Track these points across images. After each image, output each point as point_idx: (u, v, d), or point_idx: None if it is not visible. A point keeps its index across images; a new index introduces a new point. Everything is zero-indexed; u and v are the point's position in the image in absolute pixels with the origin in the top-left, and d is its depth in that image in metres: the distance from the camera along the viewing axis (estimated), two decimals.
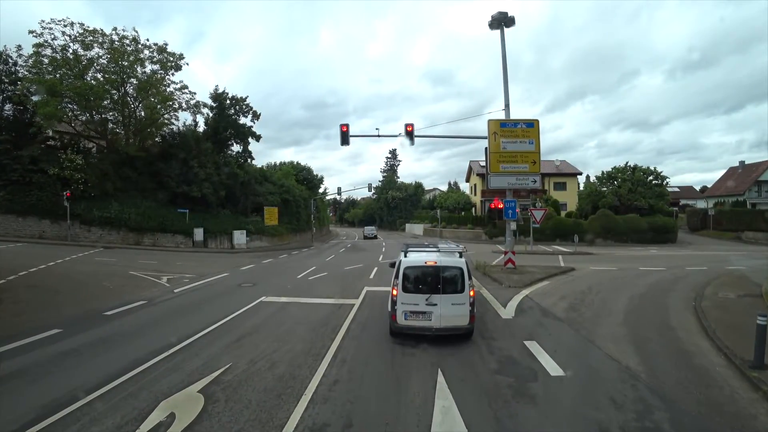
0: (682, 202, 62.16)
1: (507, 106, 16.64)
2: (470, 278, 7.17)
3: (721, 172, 60.80)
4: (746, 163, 54.07)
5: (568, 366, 6.27)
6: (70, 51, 26.19)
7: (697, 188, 72.32)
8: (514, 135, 16.10)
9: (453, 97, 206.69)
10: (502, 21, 17.05)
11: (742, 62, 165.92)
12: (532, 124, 16.27)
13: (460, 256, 7.38)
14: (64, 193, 24.04)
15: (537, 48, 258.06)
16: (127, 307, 10.82)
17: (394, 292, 7.15)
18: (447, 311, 6.96)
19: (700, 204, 63.21)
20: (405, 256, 7.43)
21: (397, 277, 7.21)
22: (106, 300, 11.70)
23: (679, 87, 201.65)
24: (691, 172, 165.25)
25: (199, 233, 27.73)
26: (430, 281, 7.08)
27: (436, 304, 6.96)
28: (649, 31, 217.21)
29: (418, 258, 7.39)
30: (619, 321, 9.18)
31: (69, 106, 27.40)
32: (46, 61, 25.86)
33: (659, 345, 7.56)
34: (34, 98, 26.24)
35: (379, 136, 16.63)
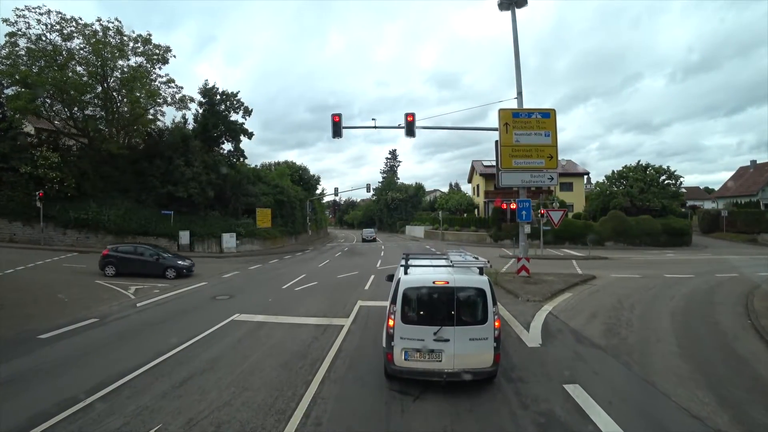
0: (689, 203, 60.39)
1: (519, 93, 14.81)
2: (495, 303, 5.27)
3: (722, 174, 59.65)
4: (758, 162, 52.32)
5: (637, 431, 4.40)
6: (47, 41, 24.36)
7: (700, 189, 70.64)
8: (529, 126, 14.25)
9: (458, 101, 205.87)
10: (512, 0, 15.26)
11: (743, 65, 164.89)
12: (548, 114, 14.42)
13: (481, 273, 5.47)
14: (37, 193, 22.24)
15: (542, 52, 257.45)
16: (70, 327, 9.01)
17: (391, 323, 5.23)
18: (464, 349, 5.08)
19: (707, 205, 61.38)
20: (405, 273, 5.50)
21: (394, 301, 5.28)
22: (51, 317, 9.88)
23: (680, 90, 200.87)
24: (691, 174, 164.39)
25: (184, 236, 25.87)
26: (441, 308, 5.20)
27: (448, 340, 5.08)
28: (652, 36, 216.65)
29: (423, 276, 5.46)
30: (674, 350, 7.30)
31: (47, 101, 25.60)
32: (22, 52, 24.07)
33: (743, 389, 5.68)
34: (8, 91, 24.50)
35: (375, 127, 14.78)
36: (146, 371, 6.24)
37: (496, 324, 5.16)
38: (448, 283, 5.19)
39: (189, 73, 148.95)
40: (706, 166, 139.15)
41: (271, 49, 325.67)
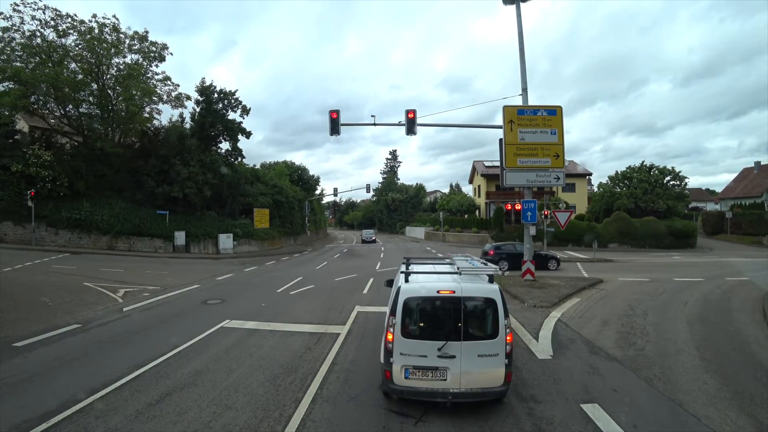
0: (692, 204, 59.84)
1: (524, 90, 14.25)
2: (507, 315, 4.71)
3: (723, 176, 59.35)
4: (762, 163, 51.76)
5: None
6: (41, 36, 23.89)
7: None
8: (534, 124, 13.71)
9: (468, 104, 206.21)
10: None
11: (747, 71, 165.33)
12: (554, 112, 13.88)
13: (491, 281, 4.93)
14: (29, 191, 21.72)
15: (552, 57, 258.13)
16: (49, 334, 8.45)
17: (390, 337, 4.67)
18: (471, 366, 4.53)
19: (710, 206, 60.80)
20: (406, 281, 4.93)
21: (393, 312, 4.72)
22: (31, 323, 9.33)
23: (685, 94, 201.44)
24: (693, 176, 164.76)
25: (180, 237, 25.31)
26: (446, 321, 4.64)
27: (454, 356, 4.52)
28: (659, 42, 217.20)
29: (426, 284, 4.89)
30: (696, 363, 6.74)
31: (40, 98, 25.09)
32: (17, 48, 23.61)
33: None
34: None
35: (375, 124, 14.22)
36: (122, 386, 5.69)
37: (508, 338, 4.60)
38: (454, 292, 4.63)
39: (206, 75, 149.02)
40: (707, 168, 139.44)
41: (289, 53, 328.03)
